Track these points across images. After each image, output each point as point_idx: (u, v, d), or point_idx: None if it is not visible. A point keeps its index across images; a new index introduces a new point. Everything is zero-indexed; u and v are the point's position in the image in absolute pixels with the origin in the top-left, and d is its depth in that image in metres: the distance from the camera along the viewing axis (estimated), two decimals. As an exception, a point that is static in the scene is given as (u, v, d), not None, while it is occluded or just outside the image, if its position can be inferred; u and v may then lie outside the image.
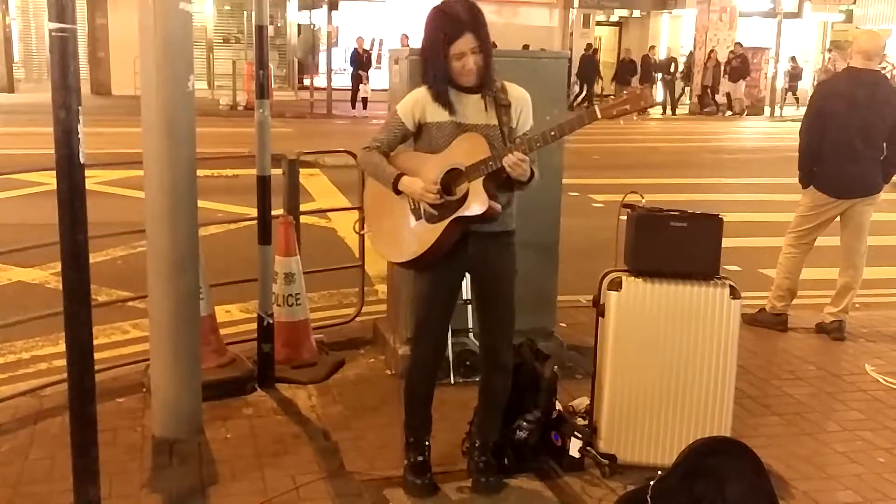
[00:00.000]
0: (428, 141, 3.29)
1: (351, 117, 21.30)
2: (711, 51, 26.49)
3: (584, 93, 26.41)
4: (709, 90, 26.62)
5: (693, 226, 3.74)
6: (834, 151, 5.49)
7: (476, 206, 3.18)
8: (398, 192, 3.28)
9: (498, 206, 3.21)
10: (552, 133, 3.13)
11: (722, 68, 26.28)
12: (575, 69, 25.93)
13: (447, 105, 3.23)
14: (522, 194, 3.36)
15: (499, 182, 3.22)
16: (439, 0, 3.26)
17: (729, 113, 26.34)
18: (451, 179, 3.22)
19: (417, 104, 3.28)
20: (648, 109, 3.08)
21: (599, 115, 3.09)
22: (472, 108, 3.25)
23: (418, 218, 3.29)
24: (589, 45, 27.22)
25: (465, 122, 3.24)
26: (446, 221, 3.23)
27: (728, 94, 26.48)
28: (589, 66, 26.39)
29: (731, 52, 26.51)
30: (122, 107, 20.29)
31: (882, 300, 6.73)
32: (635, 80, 25.29)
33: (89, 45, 24.51)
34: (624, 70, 26.39)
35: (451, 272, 3.40)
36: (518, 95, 3.31)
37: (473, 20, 3.16)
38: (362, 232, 3.67)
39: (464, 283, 3.57)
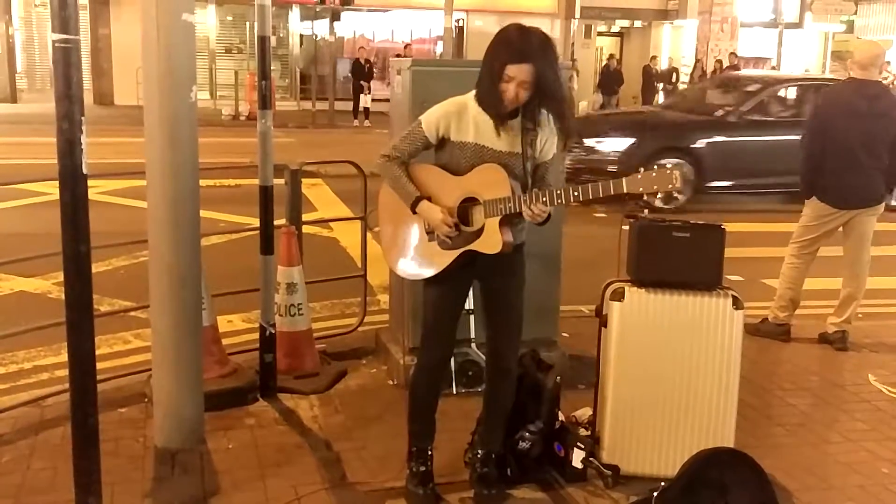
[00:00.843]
0: (448, 158, 3.28)
1: (353, 127, 21.33)
2: (717, 60, 26.35)
3: (604, 104, 26.28)
4: None
5: (696, 236, 3.74)
6: (836, 162, 5.49)
7: (490, 246, 3.20)
8: (415, 212, 3.29)
9: (511, 241, 3.23)
10: (575, 194, 3.12)
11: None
12: (596, 80, 25.86)
13: (474, 124, 3.21)
14: None
15: (515, 219, 3.22)
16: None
17: None
18: (468, 206, 3.24)
19: (443, 118, 3.26)
20: (675, 194, 3.06)
21: (625, 189, 3.06)
22: (501, 133, 3.21)
23: (431, 240, 3.31)
24: (612, 56, 26.94)
25: (488, 147, 3.22)
26: (458, 251, 3.26)
27: None
28: (611, 77, 26.15)
29: (718, 60, 26.43)
30: (124, 117, 20.32)
31: (885, 310, 6.72)
32: (622, 90, 25.20)
33: (92, 56, 24.55)
34: (609, 79, 25.84)
35: (460, 282, 3.41)
36: (546, 126, 3.29)
37: (541, 54, 3.10)
38: (375, 229, 3.67)
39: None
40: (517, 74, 3.09)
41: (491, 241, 3.20)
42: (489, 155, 3.21)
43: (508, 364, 3.51)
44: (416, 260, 3.36)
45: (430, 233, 3.31)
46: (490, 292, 3.46)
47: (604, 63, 27.33)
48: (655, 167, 3.11)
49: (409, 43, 25.72)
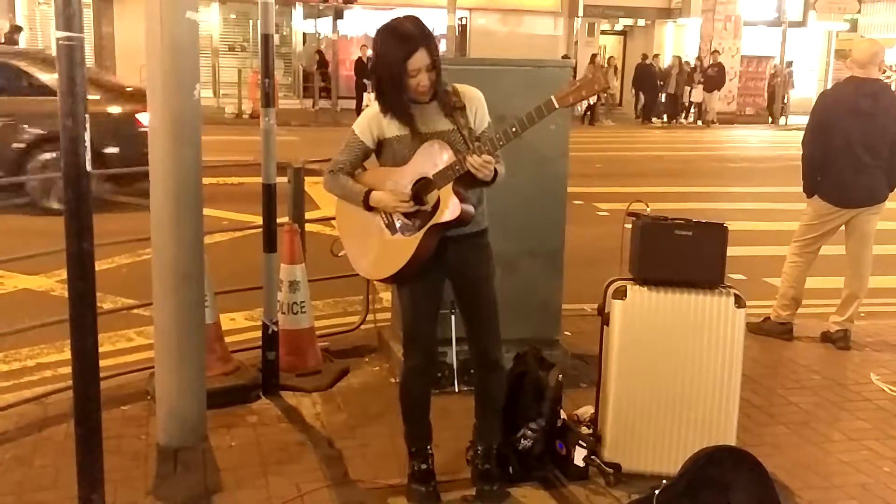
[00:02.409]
0: (391, 155, 3.29)
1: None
2: (713, 52, 26.22)
3: (644, 102, 26.14)
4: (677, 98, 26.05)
5: (698, 234, 3.74)
6: (838, 161, 5.48)
7: (449, 211, 3.17)
8: (370, 209, 3.28)
9: (471, 208, 3.21)
10: (513, 129, 3.10)
11: (694, 77, 25.72)
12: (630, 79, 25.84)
13: (405, 118, 3.23)
14: (524, 200, 3.35)
15: (467, 184, 3.21)
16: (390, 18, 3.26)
17: (690, 122, 25.91)
18: (421, 189, 3.22)
19: (373, 120, 3.28)
20: (603, 93, 3.06)
21: (557, 105, 3.06)
22: (429, 117, 3.25)
23: (393, 232, 3.28)
24: (645, 56, 26.73)
25: (425, 132, 3.23)
26: (422, 232, 3.23)
27: (699, 105, 26.00)
28: (646, 74, 25.97)
29: (698, 58, 26.38)
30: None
31: (887, 309, 6.71)
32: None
33: (96, 54, 24.57)
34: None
35: (432, 281, 3.39)
36: (471, 95, 3.31)
37: (424, 36, 3.16)
38: (340, 254, 3.66)
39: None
40: (419, 62, 3.12)
41: (449, 206, 3.17)
42: (429, 138, 3.22)
43: (494, 356, 3.49)
44: (385, 258, 3.33)
45: (390, 226, 3.29)
46: (462, 288, 3.44)
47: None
48: (578, 78, 3.10)
49: None
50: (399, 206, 3.21)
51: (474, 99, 3.32)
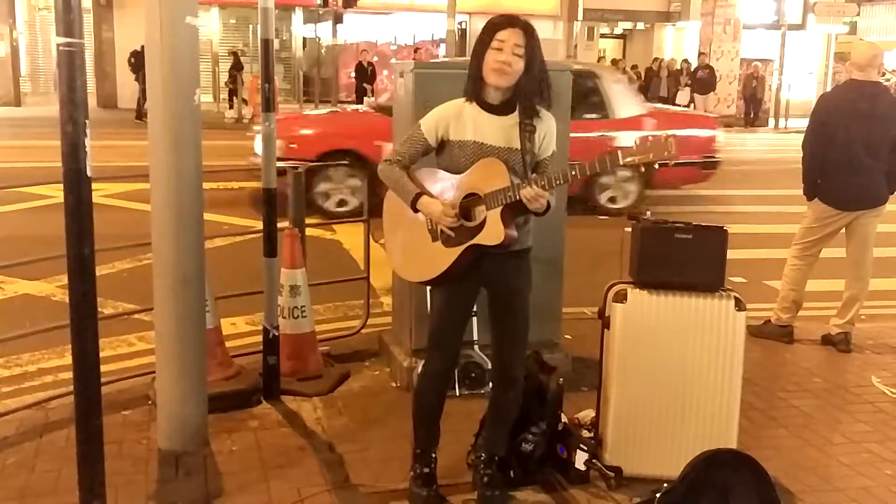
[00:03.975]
0: (449, 158, 3.29)
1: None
2: (701, 55, 26.02)
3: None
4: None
5: (698, 237, 3.74)
6: (837, 164, 5.49)
7: (492, 237, 3.18)
8: (416, 211, 3.29)
9: (514, 234, 3.21)
10: (573, 173, 3.12)
11: (680, 80, 25.49)
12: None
13: (472, 122, 3.22)
14: None
15: (517, 211, 3.21)
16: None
17: None
18: (470, 203, 3.23)
19: (441, 120, 3.28)
20: (668, 161, 3.03)
21: (621, 162, 3.06)
22: (496, 130, 3.23)
23: (435, 239, 3.30)
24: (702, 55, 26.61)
25: (487, 144, 3.22)
26: (462, 247, 3.24)
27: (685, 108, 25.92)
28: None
29: (684, 61, 26.24)
30: (128, 120, 20.40)
31: (888, 312, 6.71)
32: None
33: (96, 59, 24.60)
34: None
35: (467, 288, 3.39)
36: (546, 121, 3.30)
37: (524, 23, 3.18)
38: (380, 241, 3.67)
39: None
40: (509, 37, 3.13)
41: (493, 232, 3.18)
42: (489, 152, 3.22)
43: (514, 373, 3.49)
44: (421, 262, 3.36)
45: (433, 232, 3.31)
46: (497, 299, 3.44)
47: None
48: (650, 136, 3.08)
49: (418, 47, 25.67)
50: (444, 219, 3.21)
51: (547, 125, 3.30)
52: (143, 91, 20.62)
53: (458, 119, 3.26)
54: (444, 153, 3.32)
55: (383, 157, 3.36)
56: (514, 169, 3.20)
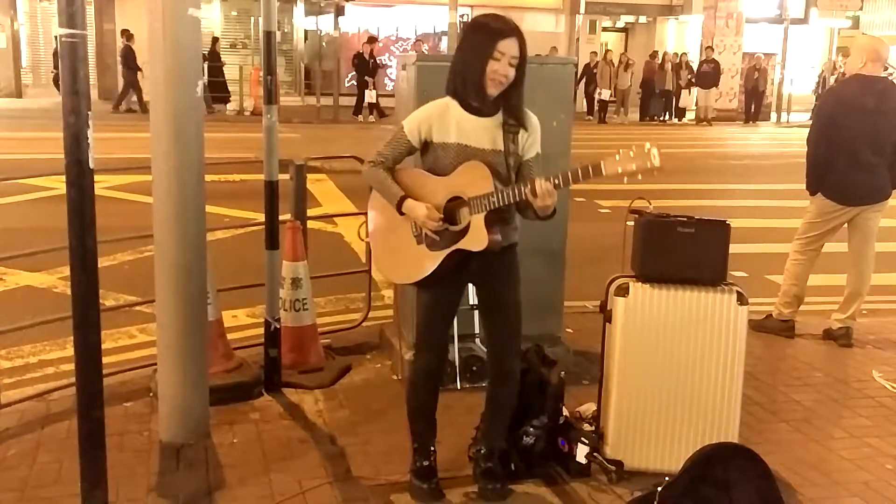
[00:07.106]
0: (433, 159, 3.28)
1: (358, 123, 21.35)
2: (707, 48, 25.94)
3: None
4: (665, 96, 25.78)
5: (700, 232, 3.74)
6: (842, 159, 5.47)
7: (476, 242, 3.19)
8: (401, 213, 3.28)
9: (498, 239, 3.21)
10: (557, 181, 3.08)
11: (681, 74, 25.40)
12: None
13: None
14: None
15: (501, 216, 3.21)
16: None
17: (679, 120, 25.71)
18: (455, 206, 3.22)
19: (424, 122, 3.27)
20: (652, 173, 3.02)
21: (605, 173, 3.04)
22: (480, 132, 3.22)
23: (419, 242, 3.29)
24: (707, 49, 26.49)
25: (471, 146, 3.21)
26: (446, 251, 3.24)
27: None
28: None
29: (683, 54, 26.20)
30: (129, 112, 20.39)
31: (890, 307, 6.71)
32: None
33: (97, 52, 24.58)
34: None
35: (453, 285, 3.40)
36: (531, 121, 3.29)
37: (518, 31, 3.19)
38: (367, 239, 3.67)
39: (470, 287, 3.57)
40: (508, 49, 3.13)
41: (476, 237, 3.18)
42: (473, 154, 3.20)
43: (510, 367, 3.49)
44: (406, 264, 3.35)
45: (418, 235, 3.30)
46: (486, 296, 3.45)
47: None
48: (633, 147, 3.06)
49: (420, 39, 25.61)
50: (428, 224, 3.21)
51: (532, 126, 3.29)
52: (127, 84, 20.80)
53: (442, 120, 3.24)
54: (427, 154, 3.31)
55: (367, 159, 3.36)
56: (497, 171, 3.19)
